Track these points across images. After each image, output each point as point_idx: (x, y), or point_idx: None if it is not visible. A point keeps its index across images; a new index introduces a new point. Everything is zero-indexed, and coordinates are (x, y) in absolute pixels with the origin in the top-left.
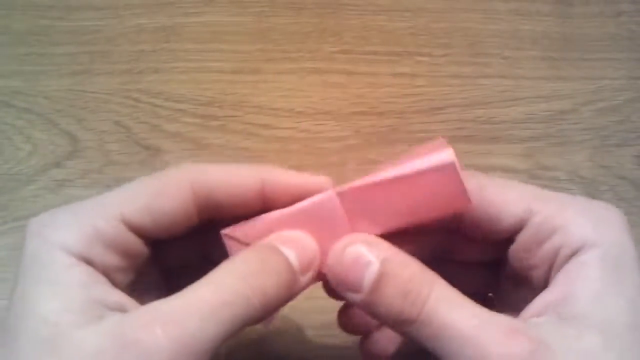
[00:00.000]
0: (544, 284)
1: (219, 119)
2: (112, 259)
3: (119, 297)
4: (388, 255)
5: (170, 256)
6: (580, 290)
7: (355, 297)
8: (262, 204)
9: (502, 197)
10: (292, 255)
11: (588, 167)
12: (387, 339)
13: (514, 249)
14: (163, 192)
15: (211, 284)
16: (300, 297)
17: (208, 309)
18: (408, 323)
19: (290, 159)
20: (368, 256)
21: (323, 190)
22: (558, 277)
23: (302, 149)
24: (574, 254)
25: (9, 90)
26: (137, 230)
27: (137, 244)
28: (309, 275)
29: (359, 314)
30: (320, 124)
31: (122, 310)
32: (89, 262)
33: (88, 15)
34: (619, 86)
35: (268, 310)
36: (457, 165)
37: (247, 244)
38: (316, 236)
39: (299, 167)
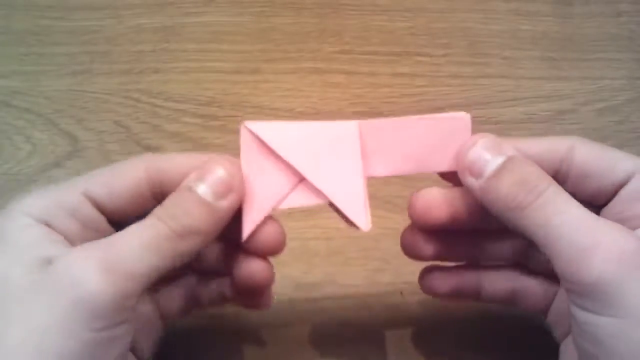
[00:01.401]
0: None
1: (219, 119)
2: (74, 227)
3: (58, 239)
4: (513, 154)
5: None
6: None
7: (474, 182)
8: None
9: (611, 155)
10: (202, 189)
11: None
12: (442, 278)
13: (612, 204)
14: (119, 172)
15: (138, 224)
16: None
17: (136, 239)
18: (520, 208)
19: None
20: (497, 149)
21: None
22: None
23: None
24: None
25: (9, 90)
26: (98, 206)
27: (99, 219)
28: (231, 197)
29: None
30: None
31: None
32: (47, 224)
33: (88, 15)
34: (619, 86)
35: (195, 240)
36: (470, 121)
37: (260, 141)
38: (329, 155)
39: None
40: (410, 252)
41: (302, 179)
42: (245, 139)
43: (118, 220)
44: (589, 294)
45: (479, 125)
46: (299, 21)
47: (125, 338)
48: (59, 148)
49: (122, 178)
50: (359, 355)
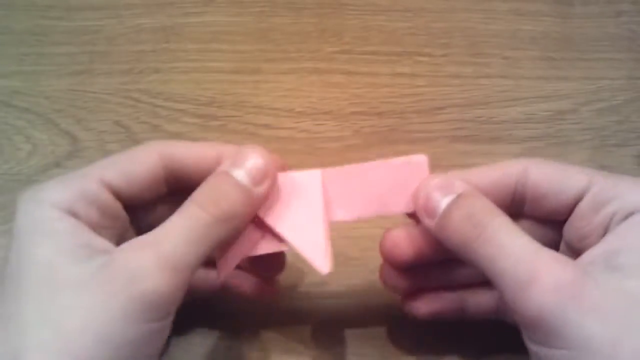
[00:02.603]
0: None
1: (219, 119)
2: (94, 215)
3: (105, 243)
4: (463, 190)
5: (146, 224)
6: (630, 243)
7: (430, 222)
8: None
9: (564, 172)
10: (240, 175)
11: (588, 167)
12: (424, 302)
13: (572, 219)
14: (135, 159)
15: (180, 214)
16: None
17: (182, 231)
18: (468, 244)
19: (290, 159)
20: (448, 188)
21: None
22: (608, 236)
23: (302, 149)
24: (627, 217)
25: (9, 90)
26: (115, 193)
27: (116, 206)
28: (266, 183)
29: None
30: (320, 124)
31: (108, 253)
32: (74, 215)
33: (88, 15)
34: (618, 86)
35: (234, 223)
36: (427, 163)
37: None
38: (293, 204)
39: (299, 167)
40: (388, 286)
41: (269, 227)
42: None
43: (132, 205)
44: (534, 327)
45: (479, 125)
46: (299, 21)
47: (170, 326)
48: (59, 148)
49: (138, 165)
50: (359, 355)
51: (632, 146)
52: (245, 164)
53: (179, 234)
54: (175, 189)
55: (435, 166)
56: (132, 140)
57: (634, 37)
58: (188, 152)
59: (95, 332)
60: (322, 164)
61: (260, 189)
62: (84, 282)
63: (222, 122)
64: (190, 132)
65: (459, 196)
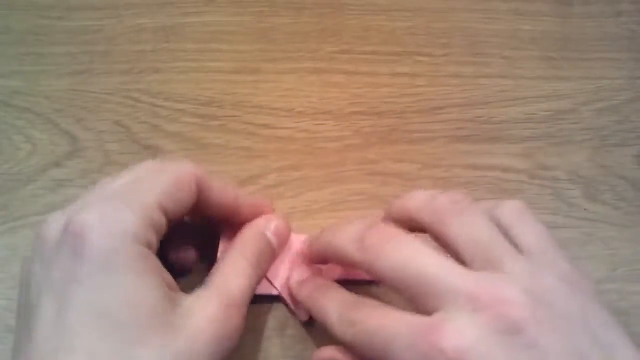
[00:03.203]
0: None
1: (219, 119)
2: (155, 239)
3: (169, 277)
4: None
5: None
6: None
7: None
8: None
9: None
10: (273, 239)
11: (588, 167)
12: None
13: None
14: (181, 185)
15: (235, 269)
16: None
17: (238, 281)
18: None
19: (290, 159)
20: None
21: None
22: None
23: (302, 149)
24: None
25: (9, 90)
26: (167, 215)
27: (165, 227)
28: (281, 242)
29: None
30: (320, 124)
31: (171, 287)
32: (150, 247)
33: (88, 15)
34: (619, 86)
35: (264, 273)
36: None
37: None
38: (283, 259)
39: (299, 167)
40: None
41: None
42: (222, 249)
43: (170, 222)
44: None
45: (479, 125)
46: (299, 21)
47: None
48: (59, 148)
49: (186, 193)
50: None
51: (632, 146)
52: (272, 227)
53: (237, 282)
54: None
55: (435, 166)
56: (132, 140)
57: (634, 37)
58: (217, 189)
59: None
60: (321, 164)
61: (276, 244)
62: (165, 323)
63: (222, 122)
64: (190, 132)
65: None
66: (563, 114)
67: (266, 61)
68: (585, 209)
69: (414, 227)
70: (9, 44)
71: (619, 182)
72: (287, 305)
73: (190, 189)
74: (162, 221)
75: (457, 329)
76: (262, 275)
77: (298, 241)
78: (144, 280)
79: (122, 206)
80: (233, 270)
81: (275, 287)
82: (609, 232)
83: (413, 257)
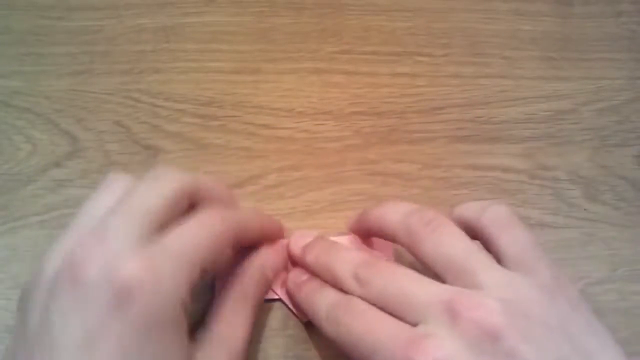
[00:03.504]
0: None
1: (219, 119)
2: None
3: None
4: None
5: None
6: None
7: None
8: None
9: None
10: (270, 274)
11: (588, 167)
12: None
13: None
14: (222, 249)
15: (233, 315)
16: None
17: (240, 330)
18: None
19: (290, 159)
20: None
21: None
22: None
23: (302, 149)
24: None
25: (9, 90)
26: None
27: None
28: (277, 273)
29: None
30: (320, 124)
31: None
32: (185, 307)
33: (88, 15)
34: (619, 86)
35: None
36: None
37: None
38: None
39: (299, 167)
40: None
41: None
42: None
43: None
44: None
45: (479, 125)
46: (299, 21)
47: None
48: (59, 148)
49: (223, 255)
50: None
51: (632, 146)
52: (270, 264)
53: (238, 331)
54: None
55: (435, 166)
56: (132, 140)
57: (634, 37)
58: (249, 240)
59: None
60: (321, 164)
61: (271, 278)
62: None
63: (222, 122)
64: (190, 132)
65: None
66: (563, 114)
67: (266, 61)
68: (585, 209)
69: (388, 238)
70: (9, 44)
71: (619, 182)
72: (287, 305)
73: (227, 252)
74: (199, 280)
75: (436, 341)
76: (259, 307)
77: (301, 239)
78: (175, 345)
79: (175, 265)
80: (237, 318)
81: (275, 292)
82: (609, 232)
83: (394, 278)
